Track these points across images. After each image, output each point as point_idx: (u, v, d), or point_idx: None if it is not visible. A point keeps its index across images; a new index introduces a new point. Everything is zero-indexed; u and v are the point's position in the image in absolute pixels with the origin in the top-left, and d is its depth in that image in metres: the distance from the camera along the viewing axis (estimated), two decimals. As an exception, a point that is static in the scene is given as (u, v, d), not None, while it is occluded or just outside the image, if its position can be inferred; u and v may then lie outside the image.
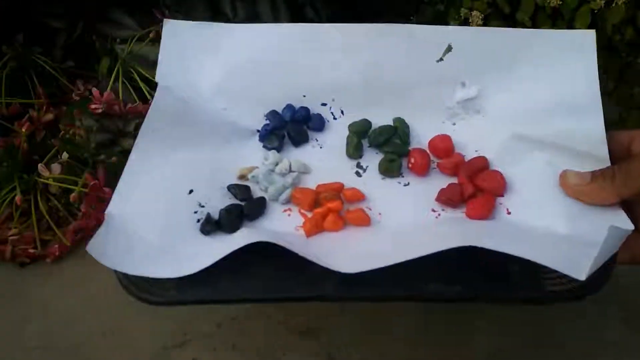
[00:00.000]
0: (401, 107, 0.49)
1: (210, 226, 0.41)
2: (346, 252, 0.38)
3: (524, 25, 0.62)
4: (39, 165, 0.60)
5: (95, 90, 0.64)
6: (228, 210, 0.42)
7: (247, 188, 0.44)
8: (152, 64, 0.71)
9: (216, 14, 0.74)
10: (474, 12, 0.64)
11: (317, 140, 0.49)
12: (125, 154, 0.63)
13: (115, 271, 0.37)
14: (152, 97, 0.68)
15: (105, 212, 0.40)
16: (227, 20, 0.70)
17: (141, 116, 0.66)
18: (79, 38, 0.72)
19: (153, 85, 0.70)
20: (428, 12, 0.71)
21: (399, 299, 0.37)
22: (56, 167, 0.60)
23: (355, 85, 0.50)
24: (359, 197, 0.44)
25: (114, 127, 0.64)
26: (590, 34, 0.47)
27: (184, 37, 0.51)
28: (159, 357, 0.52)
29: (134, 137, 0.63)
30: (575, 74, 0.47)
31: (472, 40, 0.49)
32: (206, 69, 0.51)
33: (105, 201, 0.61)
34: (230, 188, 0.44)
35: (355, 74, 0.50)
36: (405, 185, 0.45)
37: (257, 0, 0.72)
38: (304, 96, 0.50)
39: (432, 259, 0.34)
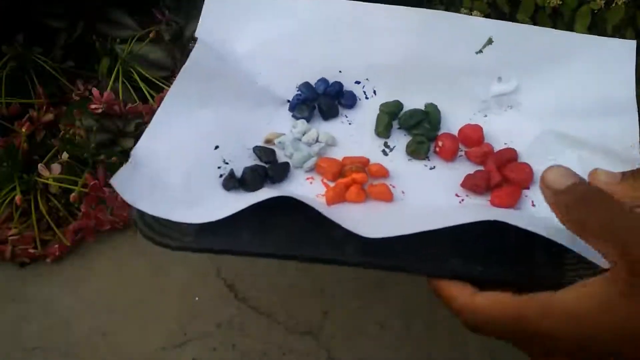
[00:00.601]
0: (434, 94, 0.49)
1: (233, 182, 0.41)
2: (367, 221, 0.38)
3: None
4: (39, 165, 0.60)
5: (95, 90, 0.64)
6: (253, 169, 0.42)
7: (272, 151, 0.45)
8: (152, 64, 0.71)
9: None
10: (474, 12, 0.64)
11: (346, 117, 0.49)
12: (126, 153, 0.63)
13: (133, 211, 0.37)
14: (152, 97, 0.68)
15: (132, 151, 0.40)
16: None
17: (141, 116, 0.66)
18: (79, 38, 0.72)
19: (153, 85, 0.70)
20: (428, 12, 0.71)
21: (419, 272, 0.37)
22: (56, 167, 0.60)
23: (391, 67, 0.50)
24: (384, 173, 0.44)
25: (114, 127, 0.64)
26: (631, 44, 0.48)
27: (227, 1, 0.51)
28: (159, 357, 0.52)
29: (134, 137, 0.64)
30: (613, 78, 0.47)
31: (514, 36, 0.49)
32: (247, 32, 0.51)
33: (105, 201, 0.61)
34: (256, 149, 0.44)
35: (393, 56, 0.50)
36: (430, 168, 0.46)
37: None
38: (340, 72, 0.51)
39: (455, 237, 0.35)
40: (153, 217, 0.37)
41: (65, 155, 0.61)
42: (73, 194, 0.59)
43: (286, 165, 0.44)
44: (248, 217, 0.36)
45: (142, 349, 0.52)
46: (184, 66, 0.46)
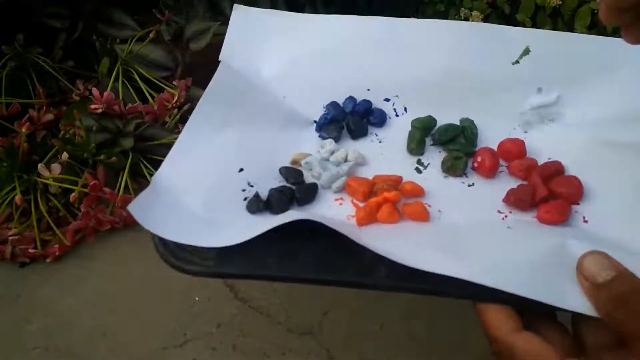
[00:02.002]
0: (469, 109, 0.47)
1: (258, 204, 0.39)
2: (400, 243, 0.36)
3: (523, 25, 0.62)
4: (39, 165, 0.60)
5: (95, 90, 0.64)
6: (279, 190, 0.40)
7: (299, 172, 0.43)
8: (152, 64, 0.71)
9: (216, 14, 0.74)
10: (474, 12, 0.64)
11: (376, 135, 0.47)
12: (125, 153, 0.64)
13: (153, 238, 0.36)
14: (152, 97, 0.68)
15: (153, 177, 0.39)
16: (227, 19, 0.70)
17: (141, 116, 0.66)
18: (79, 38, 0.72)
19: (153, 85, 0.70)
20: (428, 12, 0.71)
21: (454, 296, 0.34)
22: (56, 167, 0.60)
23: (423, 82, 0.48)
24: (419, 191, 0.41)
25: (114, 127, 0.64)
26: None
27: (251, 22, 0.50)
28: (159, 357, 0.52)
29: (134, 137, 0.64)
30: None
31: (552, 44, 0.47)
32: (271, 53, 0.50)
33: (105, 201, 0.61)
34: (282, 170, 0.43)
35: (424, 71, 0.48)
36: (469, 185, 0.43)
37: (257, 0, 0.72)
38: (368, 90, 0.49)
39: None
40: (174, 242, 0.36)
41: (65, 155, 0.61)
42: (73, 194, 0.59)
43: (314, 187, 0.42)
44: (272, 241, 0.35)
45: (142, 349, 0.52)
46: (207, 88, 0.45)
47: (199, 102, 0.44)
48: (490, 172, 0.43)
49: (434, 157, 0.45)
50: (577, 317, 0.32)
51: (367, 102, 0.49)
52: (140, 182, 0.65)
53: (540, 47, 0.47)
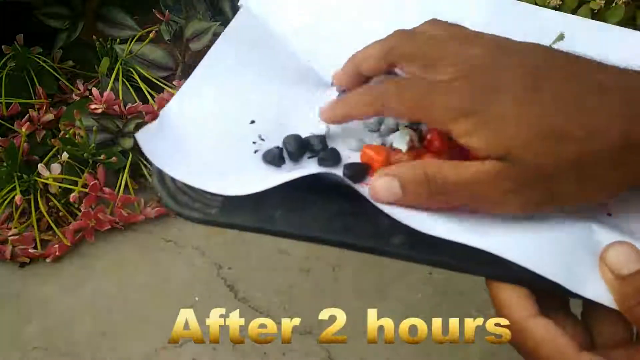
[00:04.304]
0: None
1: (279, 155, 0.37)
2: (419, 212, 0.34)
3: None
4: (39, 165, 0.60)
5: (95, 90, 0.64)
6: (295, 137, 0.38)
7: (323, 137, 0.40)
8: (152, 64, 0.71)
9: (216, 14, 0.74)
10: (474, 12, 0.64)
11: None
12: (125, 153, 0.64)
13: (154, 178, 0.34)
14: (152, 97, 0.68)
15: (160, 111, 0.37)
16: (227, 19, 0.70)
17: (141, 116, 0.66)
18: (79, 38, 0.72)
19: (153, 85, 0.70)
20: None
21: (471, 272, 0.32)
22: (56, 167, 0.60)
23: None
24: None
25: (114, 127, 0.64)
26: None
27: None
28: (159, 357, 0.52)
29: (134, 137, 0.64)
30: None
31: (588, 32, 0.44)
32: (294, 7, 0.48)
33: (105, 201, 0.61)
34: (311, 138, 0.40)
35: None
36: None
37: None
38: None
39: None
40: (176, 184, 0.34)
41: (65, 155, 0.61)
42: (73, 194, 0.59)
43: (337, 154, 0.39)
44: (282, 195, 0.33)
45: (142, 349, 0.52)
46: (225, 31, 0.43)
47: (215, 43, 0.42)
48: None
49: None
50: (589, 309, 0.31)
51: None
52: (140, 182, 0.65)
53: (576, 34, 0.45)
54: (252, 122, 0.41)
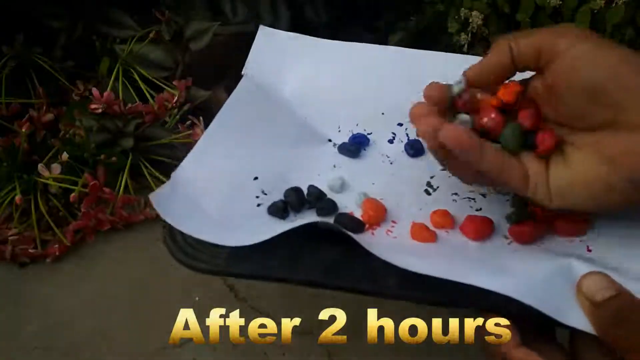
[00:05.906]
0: None
1: (283, 208, 0.41)
2: (409, 253, 0.38)
3: (524, 26, 0.62)
4: (39, 165, 0.60)
5: (95, 90, 0.64)
6: (295, 190, 0.43)
7: (322, 192, 0.44)
8: (152, 64, 0.71)
9: (216, 14, 0.74)
10: (474, 12, 0.64)
11: (387, 157, 0.49)
12: (125, 153, 0.63)
13: (164, 233, 0.38)
14: (152, 97, 0.68)
15: (173, 173, 0.41)
16: (227, 19, 0.70)
17: (141, 116, 0.66)
18: (79, 38, 0.72)
19: (153, 85, 0.70)
20: (428, 12, 0.71)
21: (464, 306, 0.36)
22: (56, 167, 0.60)
23: None
24: (449, 224, 0.42)
25: (113, 127, 0.64)
26: None
27: (276, 43, 0.54)
28: (159, 357, 0.52)
29: (134, 137, 0.64)
30: None
31: None
32: (293, 75, 0.53)
33: (105, 201, 0.61)
34: (310, 187, 0.44)
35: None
36: (477, 210, 0.44)
37: (257, 0, 0.72)
38: (382, 114, 0.51)
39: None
40: (185, 238, 0.37)
41: (65, 155, 0.61)
42: (73, 194, 0.59)
43: (334, 204, 0.43)
44: (283, 245, 0.36)
45: (142, 349, 0.52)
46: (229, 98, 0.48)
47: (221, 109, 0.47)
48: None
49: (444, 179, 0.46)
50: (575, 337, 0.33)
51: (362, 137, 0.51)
52: (140, 182, 0.65)
53: None
54: (255, 178, 0.45)
